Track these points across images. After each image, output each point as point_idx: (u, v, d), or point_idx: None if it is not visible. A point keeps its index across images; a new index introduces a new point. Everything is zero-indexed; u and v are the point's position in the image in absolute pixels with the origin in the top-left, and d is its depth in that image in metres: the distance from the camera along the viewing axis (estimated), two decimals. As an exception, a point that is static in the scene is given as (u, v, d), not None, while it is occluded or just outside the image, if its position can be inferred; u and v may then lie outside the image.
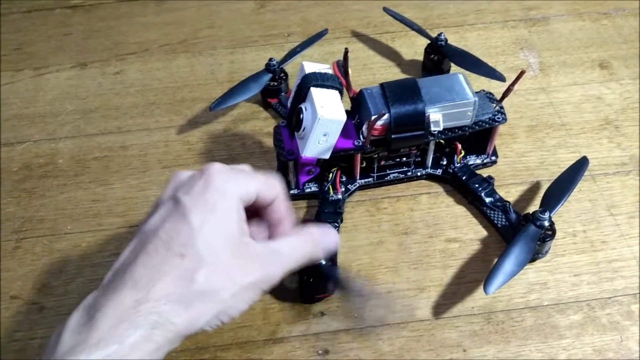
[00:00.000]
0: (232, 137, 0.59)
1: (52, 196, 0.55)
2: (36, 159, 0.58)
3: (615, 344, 0.44)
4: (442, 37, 0.60)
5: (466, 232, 0.51)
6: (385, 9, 0.66)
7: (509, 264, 0.43)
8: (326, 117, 0.45)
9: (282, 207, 0.39)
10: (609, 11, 0.71)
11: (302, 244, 0.38)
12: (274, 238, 0.39)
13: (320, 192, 0.52)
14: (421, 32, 0.63)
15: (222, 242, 0.33)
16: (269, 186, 0.38)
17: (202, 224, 0.33)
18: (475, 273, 0.48)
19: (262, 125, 0.60)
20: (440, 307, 0.46)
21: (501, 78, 0.57)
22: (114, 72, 0.66)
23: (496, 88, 0.54)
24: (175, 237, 0.33)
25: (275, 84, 0.59)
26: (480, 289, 0.47)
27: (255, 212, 0.39)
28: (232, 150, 0.58)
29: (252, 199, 0.37)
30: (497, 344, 0.44)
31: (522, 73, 0.49)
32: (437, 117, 0.48)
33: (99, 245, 0.51)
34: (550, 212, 0.46)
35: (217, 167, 0.36)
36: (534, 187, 0.54)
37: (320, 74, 0.47)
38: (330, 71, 0.48)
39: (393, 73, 0.65)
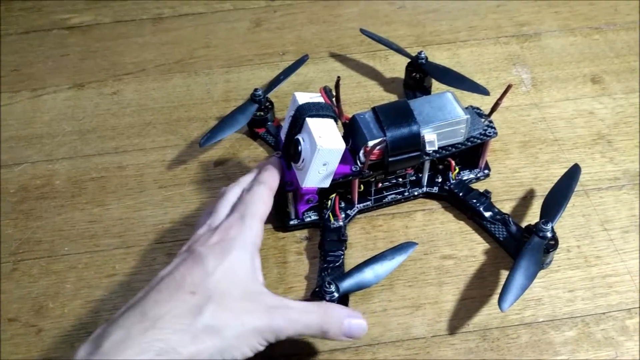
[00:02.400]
0: (228, 155, 0.59)
1: (49, 217, 0.55)
2: (33, 181, 0.58)
3: (610, 359, 0.44)
4: (423, 55, 0.61)
5: (461, 248, 0.51)
6: (362, 30, 0.67)
7: (520, 278, 0.43)
8: (326, 147, 0.45)
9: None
10: (600, 26, 0.72)
11: (316, 313, 0.38)
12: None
13: (320, 221, 0.52)
14: (400, 51, 0.63)
15: (233, 286, 0.35)
16: (270, 199, 0.43)
17: (215, 268, 0.35)
18: (471, 290, 0.48)
19: (254, 146, 0.60)
20: (436, 325, 0.46)
21: (485, 92, 0.58)
22: (110, 92, 0.67)
23: (489, 104, 0.54)
24: (189, 278, 0.34)
25: (262, 113, 0.59)
26: (476, 306, 0.47)
27: None
28: (227, 169, 0.58)
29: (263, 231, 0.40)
30: (492, 361, 0.44)
31: (509, 87, 0.50)
32: (432, 137, 0.49)
33: (95, 266, 0.51)
34: (552, 223, 0.47)
35: (230, 222, 0.39)
36: (528, 202, 0.54)
37: (314, 104, 0.47)
38: (321, 99, 0.48)
39: (387, 91, 0.65)
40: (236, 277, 0.36)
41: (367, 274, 0.45)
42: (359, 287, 0.45)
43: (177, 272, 0.35)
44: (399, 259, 0.46)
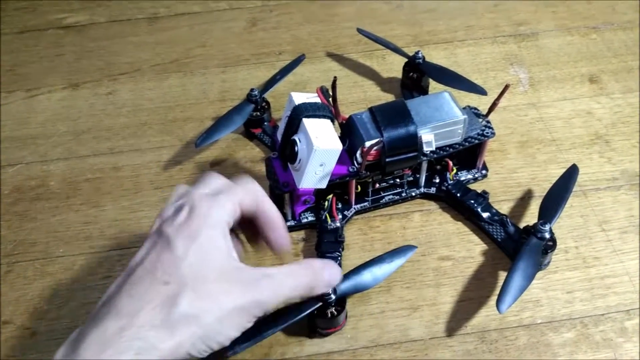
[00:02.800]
0: (224, 156, 0.59)
1: (43, 219, 0.55)
2: (28, 182, 0.58)
3: (609, 361, 0.44)
4: (420, 54, 0.60)
5: (459, 249, 0.51)
6: (359, 30, 0.66)
7: (518, 279, 0.43)
8: (322, 148, 0.45)
9: (265, 207, 0.39)
10: (597, 25, 0.72)
11: (300, 272, 0.38)
12: (273, 247, 0.39)
13: (317, 222, 0.52)
14: (397, 51, 0.63)
15: (207, 267, 0.34)
16: (249, 194, 0.38)
17: (186, 251, 0.33)
18: (469, 291, 0.48)
19: (250, 146, 0.60)
20: (434, 327, 0.46)
21: (482, 92, 0.58)
22: (106, 92, 0.67)
23: (486, 104, 0.54)
24: (160, 266, 0.33)
25: (258, 113, 0.59)
26: (474, 307, 0.47)
27: (248, 224, 0.39)
28: (224, 169, 0.58)
29: (238, 215, 0.37)
30: (491, 363, 0.44)
31: (506, 87, 0.49)
32: (429, 138, 0.48)
33: (90, 268, 0.51)
34: (550, 223, 0.46)
35: (197, 196, 0.36)
36: (526, 203, 0.54)
37: (311, 104, 0.47)
38: (317, 100, 0.48)
39: (385, 90, 0.65)
40: (209, 258, 0.34)
41: (365, 277, 0.44)
42: (357, 290, 0.45)
43: (147, 260, 0.34)
44: (397, 262, 0.46)
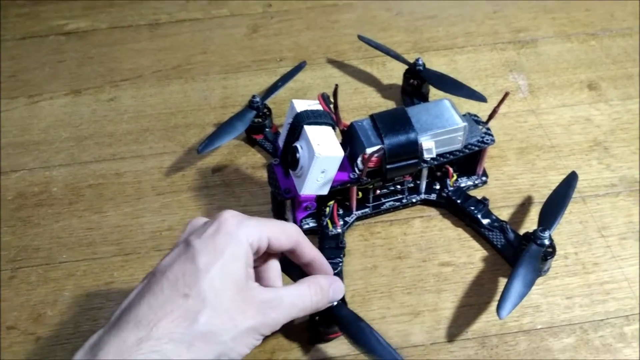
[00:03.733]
0: (226, 162, 0.59)
1: (46, 225, 0.55)
2: (31, 188, 0.58)
3: (608, 366, 0.44)
4: (420, 62, 0.61)
5: (459, 255, 0.51)
6: (360, 37, 0.67)
7: (518, 286, 0.44)
8: (324, 155, 0.45)
9: (305, 251, 0.40)
10: (596, 32, 0.72)
11: (308, 292, 0.39)
12: (298, 282, 0.40)
13: (319, 228, 0.52)
14: (398, 58, 0.64)
15: (226, 285, 0.34)
16: (283, 233, 0.39)
17: (209, 266, 0.34)
18: (469, 297, 0.48)
19: (252, 153, 0.61)
20: (435, 332, 0.46)
21: (482, 99, 0.58)
22: (107, 98, 0.67)
23: (486, 111, 0.54)
24: (181, 278, 0.34)
25: (260, 120, 0.59)
26: (474, 313, 0.47)
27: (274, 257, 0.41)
28: (225, 176, 0.58)
29: (264, 245, 0.38)
30: (491, 368, 0.45)
31: (506, 94, 0.50)
32: (429, 145, 0.49)
33: (93, 274, 0.51)
34: (549, 230, 0.47)
35: (229, 214, 0.37)
36: (526, 209, 0.54)
37: (312, 111, 0.47)
38: (319, 107, 0.48)
39: (385, 97, 0.65)
40: (229, 276, 0.35)
41: (358, 327, 0.41)
42: (342, 329, 0.42)
43: (170, 271, 0.34)
44: (380, 352, 0.40)
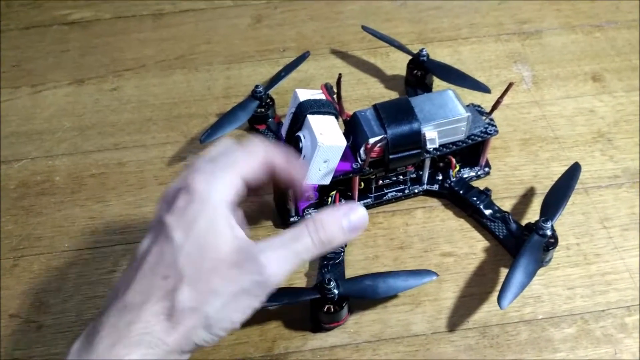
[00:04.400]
0: (229, 153, 0.59)
1: (49, 214, 0.55)
2: (33, 177, 0.58)
3: (609, 356, 0.44)
4: (424, 52, 0.61)
5: (461, 246, 0.51)
6: (364, 27, 0.67)
7: (519, 276, 0.44)
8: (327, 144, 0.45)
9: (278, 163, 0.37)
10: (601, 24, 0.72)
11: (303, 233, 0.35)
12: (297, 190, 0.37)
13: None
14: (402, 48, 0.63)
15: (205, 255, 0.33)
16: (253, 157, 0.36)
17: (184, 241, 0.33)
18: (470, 287, 0.49)
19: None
20: (436, 322, 0.47)
21: (486, 90, 0.58)
22: (110, 88, 0.67)
23: (490, 102, 0.54)
24: (160, 260, 0.33)
25: (263, 110, 0.59)
26: (476, 303, 0.47)
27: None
28: (228, 165, 0.58)
29: (241, 187, 0.35)
30: (492, 358, 0.45)
31: (510, 85, 0.50)
32: (432, 135, 0.49)
33: (96, 262, 0.51)
34: (551, 221, 0.47)
35: (195, 176, 0.35)
36: (528, 200, 0.54)
37: (315, 101, 0.47)
38: (322, 96, 0.48)
39: (388, 88, 0.65)
40: (207, 245, 0.33)
41: (374, 285, 0.44)
42: (361, 295, 0.45)
43: (150, 254, 0.34)
44: (411, 283, 0.45)
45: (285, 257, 0.34)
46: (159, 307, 0.32)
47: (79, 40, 0.73)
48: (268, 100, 0.60)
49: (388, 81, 0.66)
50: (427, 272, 0.45)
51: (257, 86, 0.59)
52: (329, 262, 0.49)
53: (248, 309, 0.34)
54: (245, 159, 0.36)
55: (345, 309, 0.45)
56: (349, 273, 0.49)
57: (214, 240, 0.34)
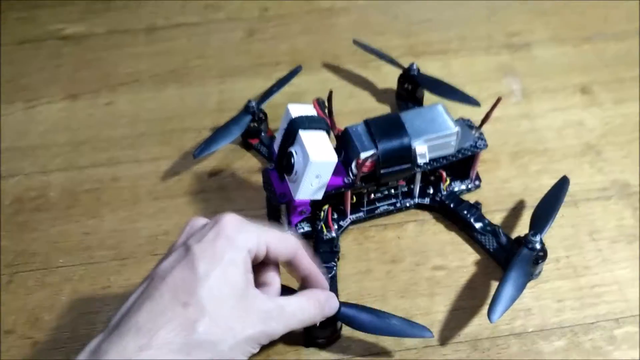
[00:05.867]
0: (222, 166, 0.60)
1: (44, 229, 0.55)
2: (28, 192, 0.59)
3: (598, 369, 0.45)
4: (414, 66, 0.61)
5: (452, 259, 0.52)
6: (355, 41, 0.68)
7: (509, 289, 0.44)
8: (318, 160, 0.46)
9: (302, 265, 0.40)
10: (590, 36, 0.73)
11: (307, 306, 0.40)
12: (297, 293, 0.41)
13: (313, 232, 0.53)
14: (393, 62, 0.64)
15: (225, 293, 0.35)
16: (282, 242, 0.39)
17: (208, 273, 0.34)
18: (462, 300, 0.49)
19: (247, 157, 0.61)
20: (427, 336, 0.47)
21: (476, 103, 0.59)
22: (104, 103, 0.67)
23: (480, 115, 0.55)
24: (181, 285, 0.34)
25: (256, 124, 0.60)
26: (467, 316, 0.48)
27: (275, 265, 0.41)
28: (221, 180, 0.59)
29: (262, 252, 0.38)
30: (483, 371, 0.45)
31: (498, 100, 0.50)
32: (423, 150, 0.49)
33: (90, 278, 0.52)
34: (540, 234, 0.47)
35: (229, 217, 0.37)
36: (518, 213, 0.55)
37: (307, 117, 0.48)
38: (314, 112, 0.49)
39: (380, 101, 0.66)
40: (229, 283, 0.35)
41: (366, 319, 0.44)
42: (349, 322, 0.44)
43: (170, 277, 0.35)
44: (407, 332, 0.44)
45: (289, 322, 0.38)
46: (174, 336, 0.33)
47: (73, 54, 0.74)
48: (261, 114, 0.61)
49: (380, 94, 0.67)
50: (424, 328, 0.44)
51: (249, 101, 0.59)
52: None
53: (249, 353, 0.36)
54: (275, 236, 0.39)
55: (339, 324, 0.46)
56: (342, 287, 0.50)
57: (236, 281, 0.35)
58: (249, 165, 0.60)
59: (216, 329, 0.34)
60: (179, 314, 0.33)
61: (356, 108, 0.65)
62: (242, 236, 0.37)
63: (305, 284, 0.42)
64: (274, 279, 0.41)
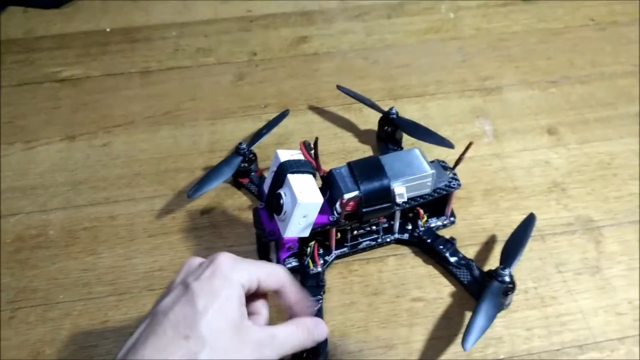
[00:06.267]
0: (213, 204, 0.63)
1: (44, 266, 0.58)
2: (28, 231, 0.62)
3: (564, 393, 0.49)
4: (394, 110, 0.66)
5: (429, 291, 0.56)
6: (338, 87, 0.72)
7: (481, 320, 0.48)
8: (305, 202, 0.49)
9: (290, 294, 0.44)
10: (556, 79, 0.78)
11: (297, 332, 0.43)
12: (286, 321, 0.44)
13: (300, 267, 0.56)
14: (373, 106, 0.69)
15: (223, 326, 0.38)
16: (272, 275, 0.42)
17: (207, 308, 0.37)
18: (439, 330, 0.53)
19: (238, 195, 0.65)
20: (407, 364, 0.51)
21: (450, 146, 0.63)
22: (101, 144, 0.71)
23: (455, 154, 0.59)
24: (182, 320, 0.37)
25: (246, 165, 0.64)
26: (443, 345, 0.52)
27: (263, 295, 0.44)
28: (213, 218, 0.62)
29: (254, 285, 0.41)
30: (459, 396, 0.49)
31: (470, 144, 0.55)
32: (401, 190, 0.54)
33: (89, 313, 0.55)
34: (509, 268, 0.51)
35: (224, 257, 0.41)
36: (490, 247, 0.59)
37: (295, 161, 0.52)
38: (300, 156, 0.53)
39: (362, 141, 0.70)
40: (226, 317, 0.38)
41: None
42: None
43: (172, 313, 0.38)
44: None
45: (281, 349, 0.41)
46: None
47: (70, 97, 0.78)
48: (251, 155, 0.65)
49: (361, 135, 0.71)
50: None
51: (240, 143, 0.63)
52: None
53: None
54: (265, 270, 0.42)
55: (324, 354, 0.49)
56: (327, 319, 0.53)
57: (232, 315, 0.38)
58: (239, 203, 0.64)
59: (216, 358, 0.37)
60: (182, 347, 0.36)
61: (340, 148, 0.70)
62: (236, 274, 0.40)
63: (292, 312, 0.45)
64: (262, 309, 0.44)
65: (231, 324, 0.38)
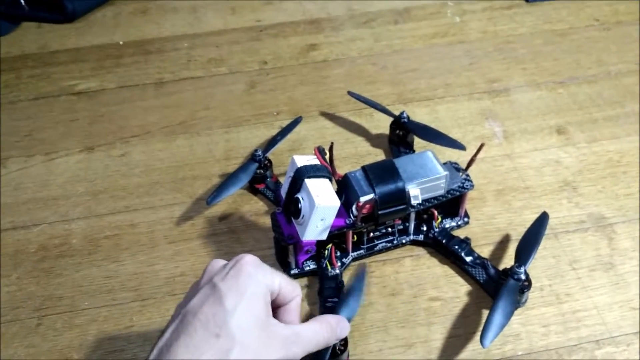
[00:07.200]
0: (231, 210, 0.65)
1: (68, 275, 0.60)
2: (52, 240, 0.63)
3: (582, 387, 0.50)
4: (405, 114, 0.67)
5: (446, 290, 0.57)
6: (349, 93, 0.74)
7: (498, 317, 0.49)
8: (323, 205, 0.51)
9: (294, 309, 0.45)
10: (563, 80, 0.79)
11: (321, 330, 0.44)
12: (309, 320, 0.45)
13: (319, 269, 0.58)
14: (384, 111, 0.70)
15: (251, 323, 0.39)
16: (290, 284, 0.44)
17: (235, 307, 0.39)
18: (456, 328, 0.54)
19: (254, 201, 0.66)
20: (427, 362, 0.52)
21: (461, 147, 0.64)
22: (119, 154, 0.73)
23: (466, 156, 0.60)
24: (212, 319, 0.38)
25: (262, 171, 0.65)
26: (462, 343, 0.53)
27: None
28: (231, 223, 0.64)
29: (276, 289, 0.42)
30: (478, 392, 0.50)
31: (481, 146, 0.56)
32: (416, 192, 0.55)
33: (114, 318, 0.56)
34: (525, 266, 0.53)
35: (248, 258, 0.42)
36: (504, 246, 0.60)
37: (311, 166, 0.53)
38: (316, 161, 0.54)
39: (374, 146, 0.72)
40: (253, 314, 0.39)
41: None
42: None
43: (201, 312, 0.39)
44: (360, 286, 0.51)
45: (306, 346, 0.42)
46: None
47: (86, 109, 0.79)
48: (266, 162, 0.66)
49: (373, 140, 0.72)
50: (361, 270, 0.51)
51: (256, 150, 0.65)
52: (328, 312, 0.54)
53: None
54: (285, 277, 0.43)
55: (346, 353, 0.50)
56: (347, 319, 0.54)
57: (259, 312, 0.40)
58: (255, 209, 0.65)
59: (246, 356, 0.38)
60: (213, 345, 0.37)
61: (352, 152, 0.71)
62: (261, 273, 0.41)
63: (281, 312, 0.45)
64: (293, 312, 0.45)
65: (259, 321, 0.39)
